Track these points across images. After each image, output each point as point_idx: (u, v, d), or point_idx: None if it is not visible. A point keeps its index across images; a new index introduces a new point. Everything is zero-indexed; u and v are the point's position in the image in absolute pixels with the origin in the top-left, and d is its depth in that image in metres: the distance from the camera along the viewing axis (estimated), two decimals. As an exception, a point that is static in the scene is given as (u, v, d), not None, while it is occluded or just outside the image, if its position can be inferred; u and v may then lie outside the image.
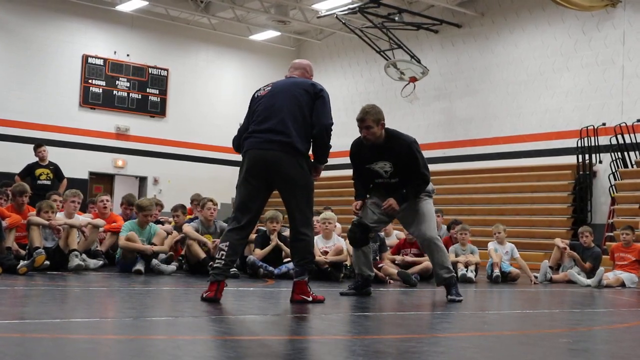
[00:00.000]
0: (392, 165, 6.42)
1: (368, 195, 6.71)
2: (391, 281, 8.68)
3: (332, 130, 5.74)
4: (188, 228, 8.76)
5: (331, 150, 5.93)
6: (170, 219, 10.53)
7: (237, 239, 5.61)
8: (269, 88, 5.82)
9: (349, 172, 21.24)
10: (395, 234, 10.49)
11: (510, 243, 10.64)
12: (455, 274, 6.75)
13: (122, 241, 8.52)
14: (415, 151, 6.40)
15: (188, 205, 11.23)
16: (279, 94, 5.70)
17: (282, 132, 5.55)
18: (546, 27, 17.58)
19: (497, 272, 9.92)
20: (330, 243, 8.96)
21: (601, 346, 4.43)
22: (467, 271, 9.64)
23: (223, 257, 5.51)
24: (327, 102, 5.73)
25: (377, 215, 6.63)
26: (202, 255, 8.47)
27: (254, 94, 5.95)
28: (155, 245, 8.60)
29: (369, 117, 6.33)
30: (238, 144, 5.85)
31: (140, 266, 8.35)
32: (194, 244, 8.58)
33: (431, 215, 6.58)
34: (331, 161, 6.18)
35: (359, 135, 6.62)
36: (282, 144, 5.54)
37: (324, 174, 6.05)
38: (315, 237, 8.98)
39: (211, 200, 9.02)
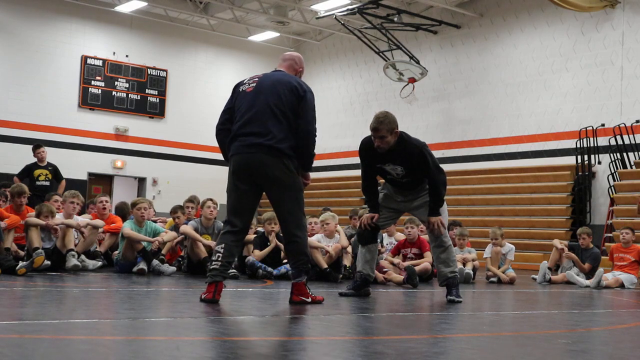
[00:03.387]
0: (404, 169, 6.42)
1: (379, 188, 6.74)
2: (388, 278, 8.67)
3: (315, 136, 5.63)
4: (187, 228, 8.76)
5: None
6: (168, 219, 10.53)
7: (233, 240, 5.59)
8: (254, 85, 5.68)
9: (348, 173, 21.29)
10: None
11: (510, 244, 10.63)
12: (458, 275, 6.75)
13: (127, 230, 8.53)
14: (426, 155, 6.38)
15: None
16: (262, 93, 5.59)
17: (264, 135, 5.49)
18: (545, 27, 17.59)
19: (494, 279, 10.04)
20: (333, 241, 8.98)
21: (600, 347, 4.43)
22: (465, 267, 9.69)
23: (219, 259, 5.50)
24: (310, 105, 5.61)
25: (387, 213, 6.67)
26: (204, 254, 8.47)
27: (238, 87, 5.81)
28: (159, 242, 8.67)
29: (383, 127, 6.21)
30: (221, 138, 5.79)
31: (142, 265, 8.37)
32: (195, 243, 8.58)
33: (444, 214, 6.60)
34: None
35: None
36: (265, 147, 5.48)
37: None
38: (318, 236, 9.00)
39: (211, 199, 9.02)
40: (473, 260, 10.02)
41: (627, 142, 15.68)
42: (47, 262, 7.66)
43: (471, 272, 9.71)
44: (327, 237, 9.05)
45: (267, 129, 5.50)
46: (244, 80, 5.86)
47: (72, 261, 7.94)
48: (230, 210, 5.64)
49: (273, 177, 5.53)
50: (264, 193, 5.74)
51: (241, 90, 5.75)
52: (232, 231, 5.59)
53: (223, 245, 5.54)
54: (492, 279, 10.05)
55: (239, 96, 5.72)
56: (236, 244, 5.68)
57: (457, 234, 10.26)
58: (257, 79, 5.75)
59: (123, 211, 10.06)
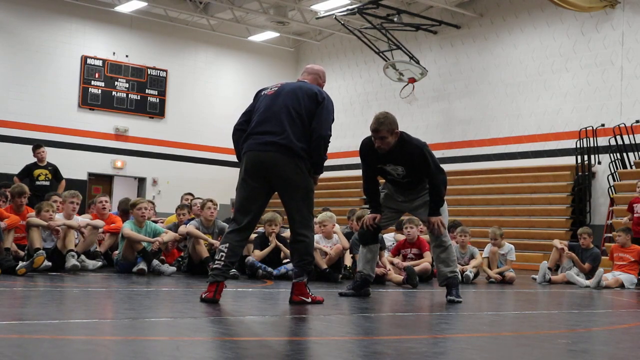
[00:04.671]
0: (404, 169, 6.42)
1: (380, 188, 6.75)
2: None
3: (329, 142, 5.70)
4: (190, 227, 8.77)
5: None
6: (165, 218, 10.56)
7: (237, 240, 5.60)
8: (276, 89, 5.80)
9: (348, 173, 21.30)
10: (393, 235, 10.47)
11: (509, 244, 10.63)
12: (458, 275, 6.75)
13: (127, 230, 8.53)
14: (427, 155, 6.38)
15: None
16: (281, 96, 5.69)
17: (279, 134, 5.54)
18: (545, 27, 17.59)
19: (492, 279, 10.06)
20: (331, 242, 8.99)
21: (600, 347, 4.43)
22: (466, 270, 9.68)
23: (222, 259, 5.51)
24: (327, 112, 5.69)
25: (389, 213, 6.68)
26: (205, 254, 8.49)
27: (260, 91, 5.94)
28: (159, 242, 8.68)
29: (384, 128, 6.23)
30: (237, 138, 5.83)
31: (142, 265, 8.37)
32: (197, 243, 8.59)
33: (444, 214, 6.60)
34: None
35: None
36: (279, 146, 5.53)
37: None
38: (316, 237, 9.00)
39: (211, 201, 9.01)
40: (474, 266, 9.92)
41: (627, 142, 15.68)
42: (48, 263, 7.65)
43: (471, 276, 9.68)
44: (325, 238, 9.05)
45: (282, 128, 5.55)
46: (267, 87, 5.97)
47: (72, 261, 7.94)
48: (238, 207, 5.65)
49: (285, 176, 5.55)
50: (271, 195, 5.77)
51: (263, 94, 5.86)
52: (237, 230, 5.59)
53: (227, 245, 5.55)
54: (492, 280, 10.05)
55: (260, 99, 5.82)
56: (240, 244, 5.68)
57: (459, 231, 10.14)
58: (279, 84, 5.88)
59: (126, 206, 10.06)
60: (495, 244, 10.27)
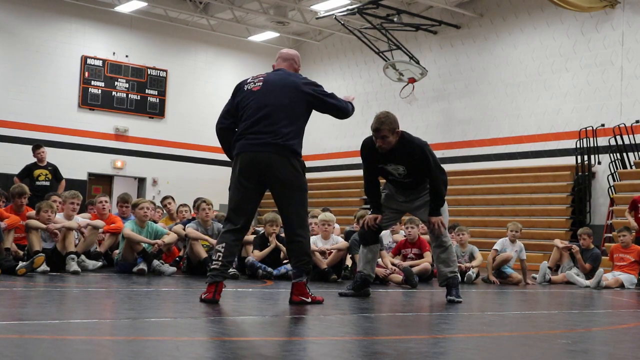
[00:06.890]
0: (405, 169, 6.42)
1: (381, 188, 6.75)
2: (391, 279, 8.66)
3: (352, 109, 5.88)
4: (189, 229, 8.78)
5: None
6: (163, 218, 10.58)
7: (233, 239, 5.59)
8: (260, 84, 5.68)
9: (348, 173, 21.28)
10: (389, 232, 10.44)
11: (520, 242, 10.61)
12: (458, 275, 6.76)
13: (127, 231, 8.51)
14: (428, 154, 6.38)
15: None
16: (271, 92, 5.61)
17: (273, 133, 5.51)
18: (545, 28, 17.59)
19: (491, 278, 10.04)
20: (329, 244, 8.98)
21: (600, 347, 4.43)
22: (468, 270, 9.69)
23: (220, 258, 5.50)
24: (327, 96, 5.72)
25: (390, 214, 6.68)
26: (204, 255, 8.49)
27: (242, 85, 5.79)
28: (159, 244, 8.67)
29: (385, 127, 6.23)
30: (226, 137, 5.80)
31: (142, 266, 8.36)
32: (196, 244, 8.59)
33: (444, 214, 6.60)
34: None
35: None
36: (274, 146, 5.50)
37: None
38: (314, 237, 9.00)
39: (204, 201, 8.97)
40: (473, 267, 9.91)
41: (627, 142, 15.67)
42: (47, 268, 7.65)
43: (472, 275, 9.69)
44: (324, 239, 9.04)
45: (276, 128, 5.52)
46: (247, 80, 5.84)
47: (73, 266, 7.92)
48: (233, 208, 5.63)
49: (281, 176, 5.53)
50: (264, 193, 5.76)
51: (247, 89, 5.73)
52: (232, 230, 5.59)
53: (224, 245, 5.54)
54: (490, 280, 10.02)
55: (245, 95, 5.70)
56: (236, 243, 5.68)
57: (456, 230, 10.14)
58: (262, 79, 5.74)
59: (126, 200, 10.12)
60: (513, 238, 10.24)
